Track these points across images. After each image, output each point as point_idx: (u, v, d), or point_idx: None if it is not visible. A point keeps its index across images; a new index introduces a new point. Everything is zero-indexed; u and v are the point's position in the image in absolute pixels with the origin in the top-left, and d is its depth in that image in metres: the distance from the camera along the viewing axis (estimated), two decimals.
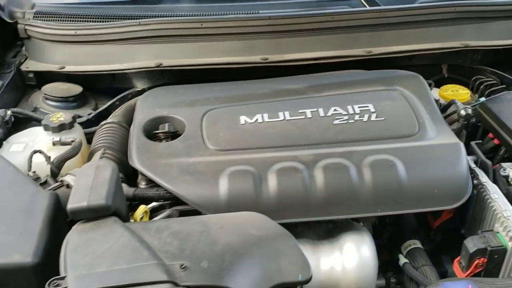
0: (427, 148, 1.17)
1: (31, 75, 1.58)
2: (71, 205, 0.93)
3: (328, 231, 1.19)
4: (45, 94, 1.50)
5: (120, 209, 1.00)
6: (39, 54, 1.60)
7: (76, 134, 1.33)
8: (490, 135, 1.37)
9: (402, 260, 1.24)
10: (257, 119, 1.26)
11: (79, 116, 1.47)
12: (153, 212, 1.16)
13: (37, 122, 1.42)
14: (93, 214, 0.93)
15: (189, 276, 0.81)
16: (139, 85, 1.56)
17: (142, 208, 1.08)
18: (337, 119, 1.26)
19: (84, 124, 1.45)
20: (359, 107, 1.28)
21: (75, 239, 0.90)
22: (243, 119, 1.26)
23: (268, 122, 1.26)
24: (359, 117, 1.26)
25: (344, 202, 1.10)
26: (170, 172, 1.13)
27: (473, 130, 1.48)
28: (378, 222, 1.30)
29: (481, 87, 1.57)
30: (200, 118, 1.28)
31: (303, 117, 1.27)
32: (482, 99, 1.49)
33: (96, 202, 0.93)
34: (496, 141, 1.34)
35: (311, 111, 1.28)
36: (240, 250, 0.86)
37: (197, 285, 0.79)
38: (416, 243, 1.27)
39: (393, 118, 1.25)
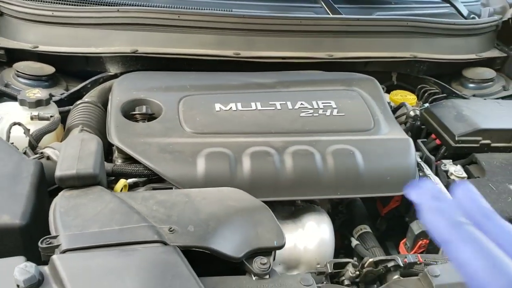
0: (381, 141, 1.32)
1: (1, 51, 1.58)
2: (60, 172, 0.98)
3: (291, 213, 1.30)
4: (17, 72, 1.51)
5: (103, 181, 1.06)
6: (11, 31, 1.60)
7: (52, 110, 1.36)
8: (433, 136, 1.55)
9: (354, 242, 1.38)
10: (231, 107, 1.36)
11: (51, 95, 1.49)
12: (128, 189, 1.22)
13: (9, 98, 1.43)
14: (81, 182, 0.99)
15: (177, 237, 0.89)
16: (112, 69, 1.61)
17: (122, 182, 1.14)
18: (303, 112, 1.38)
19: (57, 104, 1.47)
20: (322, 102, 1.41)
21: (64, 203, 0.95)
22: (218, 106, 1.35)
23: (242, 111, 1.35)
24: (323, 111, 1.39)
25: (309, 184, 1.22)
26: (149, 150, 1.19)
27: (417, 131, 1.67)
28: (331, 210, 1.43)
29: (425, 94, 1.77)
30: (176, 103, 1.35)
31: (273, 108, 1.38)
32: (426, 105, 1.68)
33: (85, 171, 0.99)
34: (438, 142, 1.52)
35: (280, 104, 1.39)
36: (222, 218, 0.95)
37: (185, 245, 0.88)
38: (366, 228, 1.40)
39: (352, 114, 1.39)
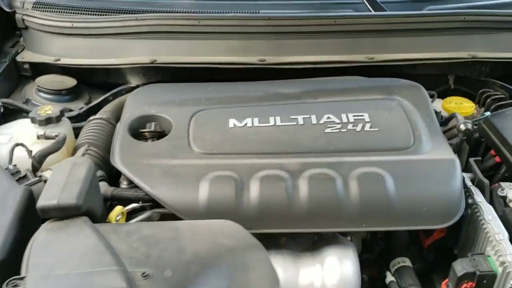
0: (420, 162, 1.12)
1: (26, 66, 1.57)
2: (41, 202, 0.91)
3: (312, 243, 1.14)
4: (38, 86, 1.49)
5: (94, 209, 0.97)
6: (35, 45, 1.59)
7: (63, 128, 1.30)
8: (492, 152, 1.31)
9: (389, 278, 1.19)
10: (246, 123, 1.22)
11: (70, 110, 1.45)
12: (133, 213, 1.14)
13: (27, 114, 1.40)
14: (62, 213, 0.91)
15: (150, 284, 0.78)
16: (134, 81, 1.54)
17: (118, 209, 1.05)
18: (329, 127, 1.21)
19: (75, 119, 1.43)
20: (353, 115, 1.23)
21: (42, 238, 0.88)
22: (232, 122, 1.23)
23: (258, 127, 1.21)
24: (353, 126, 1.21)
25: (327, 215, 1.05)
26: (150, 173, 1.10)
27: (475, 145, 1.42)
28: (369, 236, 1.25)
29: (488, 100, 1.51)
30: (188, 119, 1.25)
31: (295, 123, 1.22)
32: (487, 113, 1.43)
33: (67, 201, 0.90)
34: (497, 159, 1.28)
35: (303, 118, 1.23)
36: (208, 260, 0.83)
37: None
38: (405, 261, 1.21)
39: (387, 129, 1.20)
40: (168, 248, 0.85)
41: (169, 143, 1.18)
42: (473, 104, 1.45)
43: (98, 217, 0.99)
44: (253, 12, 1.54)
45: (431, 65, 1.50)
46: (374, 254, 1.30)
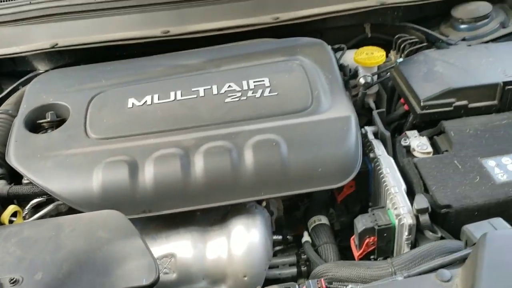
0: (315, 124, 1.10)
1: None
2: None
3: (224, 215, 1.15)
4: None
5: None
6: None
7: None
8: (402, 100, 1.30)
9: (305, 237, 1.21)
10: (146, 101, 1.20)
11: None
12: (39, 207, 1.13)
13: None
14: None
15: None
16: (41, 67, 1.49)
17: (11, 208, 1.04)
18: (229, 96, 1.18)
19: None
20: (254, 82, 1.21)
21: None
22: (131, 102, 1.20)
23: (158, 104, 1.19)
24: (252, 93, 1.18)
25: (225, 188, 1.05)
26: (43, 167, 1.08)
27: (391, 95, 1.41)
28: (295, 196, 1.25)
29: (405, 45, 1.48)
30: (86, 103, 1.21)
31: (195, 96, 1.20)
32: (400, 60, 1.41)
33: None
34: (406, 108, 1.27)
35: (204, 89, 1.21)
36: (82, 256, 0.82)
37: None
38: (321, 219, 1.22)
39: (286, 93, 1.18)
40: (45, 248, 0.84)
41: (64, 133, 1.15)
42: (384, 53, 1.41)
43: None
44: None
45: (342, 17, 1.46)
46: (300, 212, 1.32)
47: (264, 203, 1.18)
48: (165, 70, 1.29)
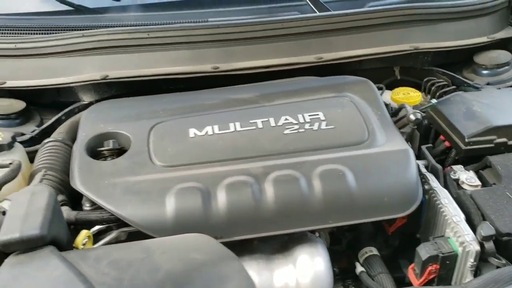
0: (376, 155, 1.16)
1: None
2: (3, 237, 0.87)
3: (282, 244, 1.17)
4: None
5: (59, 237, 0.95)
6: None
7: (17, 155, 1.26)
8: (442, 137, 1.37)
9: (359, 268, 1.23)
10: (207, 132, 1.23)
11: (22, 134, 1.40)
12: (100, 235, 1.12)
13: None
14: (27, 246, 0.88)
15: None
16: (86, 98, 1.50)
17: (83, 234, 1.03)
18: (287, 128, 1.23)
19: (28, 142, 1.38)
20: (309, 115, 1.26)
21: (5, 275, 0.84)
22: (192, 131, 1.23)
23: (219, 134, 1.22)
24: (309, 125, 1.24)
25: (295, 215, 1.08)
26: (113, 192, 1.08)
27: (426, 132, 1.49)
28: (336, 229, 1.28)
29: (433, 88, 1.58)
30: (147, 133, 1.24)
31: (254, 127, 1.24)
32: (434, 101, 1.50)
33: (30, 232, 0.88)
34: (447, 144, 1.35)
35: (262, 121, 1.25)
36: (181, 277, 0.83)
37: None
38: (372, 250, 1.26)
39: (343, 126, 1.24)
40: (141, 269, 0.84)
41: (129, 160, 1.16)
42: (419, 93, 1.52)
43: (64, 244, 0.97)
44: (201, 21, 1.54)
45: (376, 59, 1.56)
46: (342, 246, 1.34)
47: (317, 234, 1.21)
48: (220, 103, 1.33)
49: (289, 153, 1.17)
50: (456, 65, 1.69)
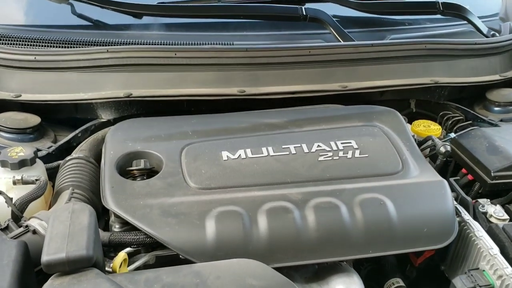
0: (413, 186, 1.16)
1: None
2: (48, 256, 0.82)
3: (314, 272, 1.14)
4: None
5: (98, 259, 0.89)
6: None
7: (38, 170, 1.20)
8: (464, 170, 1.39)
9: None
10: (240, 155, 1.20)
11: (38, 150, 1.34)
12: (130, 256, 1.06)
13: None
14: (72, 267, 0.83)
15: None
16: (104, 115, 1.46)
17: (121, 257, 0.97)
18: (321, 155, 1.22)
19: (45, 159, 1.32)
20: (342, 143, 1.26)
21: None
22: (225, 154, 1.20)
23: (252, 158, 1.20)
24: (343, 153, 1.23)
25: (336, 244, 1.06)
26: (150, 214, 1.04)
27: (444, 165, 1.51)
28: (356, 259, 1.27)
29: (448, 122, 1.62)
30: (178, 154, 1.20)
31: (287, 153, 1.23)
32: (452, 134, 1.53)
33: (76, 253, 0.83)
34: (470, 177, 1.37)
35: (294, 147, 1.24)
36: None
37: None
38: (399, 282, 1.24)
39: (376, 155, 1.24)
40: None
41: (164, 181, 1.12)
42: (440, 127, 1.54)
43: (101, 266, 0.92)
44: (228, 44, 1.53)
45: (397, 91, 1.58)
46: (361, 276, 1.33)
47: (344, 262, 1.19)
48: (249, 126, 1.32)
49: (326, 180, 1.16)
50: (465, 101, 1.73)
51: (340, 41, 1.58)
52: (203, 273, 0.86)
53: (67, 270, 0.83)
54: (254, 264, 0.89)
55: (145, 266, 1.07)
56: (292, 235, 1.04)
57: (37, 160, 1.22)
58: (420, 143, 1.44)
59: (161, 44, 1.51)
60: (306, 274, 1.14)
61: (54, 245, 0.84)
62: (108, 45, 1.48)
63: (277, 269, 1.04)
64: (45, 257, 0.82)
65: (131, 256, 1.07)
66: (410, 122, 1.59)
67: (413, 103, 1.69)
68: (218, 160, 1.19)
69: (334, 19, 1.60)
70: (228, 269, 0.88)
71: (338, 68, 1.52)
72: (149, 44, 1.51)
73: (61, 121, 1.50)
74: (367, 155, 1.23)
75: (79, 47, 1.48)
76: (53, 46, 1.48)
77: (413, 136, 1.47)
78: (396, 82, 1.55)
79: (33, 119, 1.41)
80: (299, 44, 1.54)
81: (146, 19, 1.60)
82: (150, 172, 1.18)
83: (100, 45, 1.48)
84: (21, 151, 1.19)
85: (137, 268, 1.03)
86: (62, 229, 0.87)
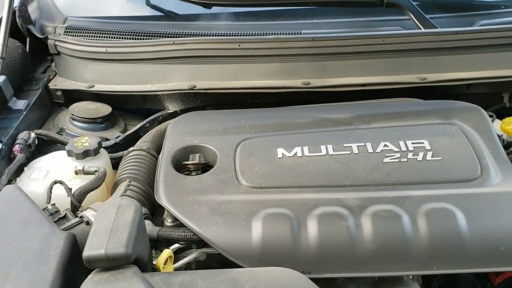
0: (492, 196, 1.01)
1: (59, 93, 1.52)
2: (88, 252, 0.83)
3: (373, 284, 1.05)
4: (72, 115, 1.43)
5: (141, 255, 0.89)
6: (68, 71, 1.53)
7: (101, 161, 1.24)
8: None
9: None
10: (296, 153, 1.14)
11: (107, 139, 1.39)
12: (177, 253, 1.06)
13: (62, 144, 1.34)
14: (111, 264, 0.83)
15: None
16: (171, 107, 1.47)
17: (166, 253, 0.97)
18: (387, 156, 1.11)
19: (112, 148, 1.37)
20: (412, 143, 1.14)
21: None
22: (280, 152, 1.14)
23: (309, 157, 1.13)
24: (413, 155, 1.11)
25: (395, 258, 0.96)
26: (198, 211, 1.02)
27: None
28: None
29: None
30: (233, 149, 1.17)
31: (349, 152, 1.13)
32: None
33: (115, 251, 0.83)
34: None
35: (357, 146, 1.14)
36: None
37: None
38: None
39: (451, 158, 1.10)
40: None
41: (216, 177, 1.10)
42: None
43: (146, 262, 0.92)
44: (294, 33, 1.46)
45: (487, 84, 1.40)
46: None
47: (410, 276, 1.08)
48: (310, 122, 1.24)
49: (390, 185, 1.05)
50: None
51: (421, 28, 1.43)
52: (240, 281, 0.82)
53: (106, 266, 0.83)
54: (294, 276, 0.83)
55: (196, 262, 1.07)
56: (344, 245, 0.96)
57: (102, 150, 1.26)
58: (508, 145, 1.26)
59: (227, 35, 1.48)
60: (363, 285, 1.05)
61: (96, 241, 0.85)
62: (176, 37, 1.48)
63: (327, 278, 0.98)
64: (86, 253, 0.83)
65: (184, 251, 1.07)
66: (500, 118, 1.40)
67: (506, 96, 1.48)
68: (273, 158, 1.13)
69: (414, 2, 1.45)
70: (265, 277, 0.83)
71: (416, 58, 1.38)
72: (216, 36, 1.48)
73: (132, 110, 1.54)
74: (440, 158, 1.10)
75: (149, 38, 1.50)
76: (123, 38, 1.51)
77: (501, 136, 1.30)
78: (486, 74, 1.37)
79: (105, 109, 1.46)
80: (372, 33, 1.41)
81: (215, 9, 1.58)
82: (205, 167, 1.16)
83: (168, 37, 1.49)
84: (87, 141, 1.24)
85: (187, 264, 1.03)
86: (106, 224, 0.88)
